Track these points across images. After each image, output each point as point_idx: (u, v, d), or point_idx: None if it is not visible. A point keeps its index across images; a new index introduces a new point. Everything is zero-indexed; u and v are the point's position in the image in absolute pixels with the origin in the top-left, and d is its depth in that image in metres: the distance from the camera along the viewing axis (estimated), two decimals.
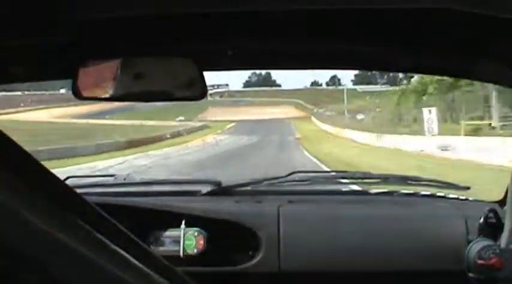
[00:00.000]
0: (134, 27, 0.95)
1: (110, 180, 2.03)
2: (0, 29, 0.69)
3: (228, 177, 2.25)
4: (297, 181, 1.87)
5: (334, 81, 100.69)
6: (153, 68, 1.08)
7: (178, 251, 1.51)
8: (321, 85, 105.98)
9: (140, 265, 0.39)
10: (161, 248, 1.51)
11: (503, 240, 1.35)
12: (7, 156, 0.34)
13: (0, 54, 0.94)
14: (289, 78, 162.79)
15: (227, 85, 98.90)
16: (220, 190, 1.77)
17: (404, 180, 1.87)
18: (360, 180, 1.96)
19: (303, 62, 1.34)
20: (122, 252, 0.38)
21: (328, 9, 0.86)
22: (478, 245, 1.35)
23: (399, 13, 0.89)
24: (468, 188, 1.81)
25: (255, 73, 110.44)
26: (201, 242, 1.52)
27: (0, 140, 0.35)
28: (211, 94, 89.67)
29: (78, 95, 1.10)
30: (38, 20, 0.70)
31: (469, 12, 0.73)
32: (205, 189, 1.77)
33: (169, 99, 1.20)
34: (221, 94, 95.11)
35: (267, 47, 1.20)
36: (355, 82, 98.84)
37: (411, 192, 1.81)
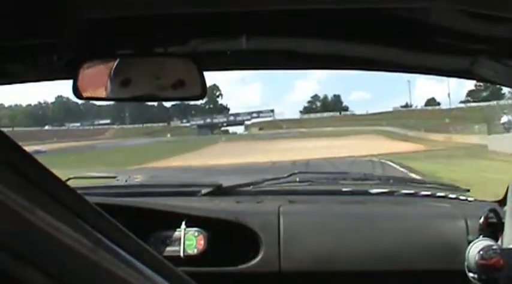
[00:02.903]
0: (134, 27, 0.95)
1: (112, 181, 2.03)
2: (1, 29, 0.69)
3: None
4: (297, 181, 1.87)
5: (430, 102, 67.08)
6: (153, 68, 1.08)
7: (179, 251, 1.51)
8: (415, 107, 68.79)
9: (141, 265, 0.39)
10: (162, 248, 1.51)
11: (504, 240, 1.35)
12: (7, 156, 0.34)
13: (1, 54, 0.94)
14: (363, 103, 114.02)
15: (272, 111, 64.44)
16: (221, 191, 1.77)
17: (405, 181, 1.87)
18: (360, 181, 1.96)
19: (303, 62, 1.34)
20: (123, 252, 0.38)
21: (328, 9, 0.86)
22: (478, 245, 1.35)
23: (399, 13, 0.89)
24: (468, 190, 1.81)
25: (317, 96, 75.34)
26: (202, 242, 1.52)
27: (0, 141, 0.35)
28: (247, 127, 62.67)
29: (79, 95, 1.10)
30: (38, 20, 0.70)
31: (469, 12, 0.73)
32: (206, 189, 1.77)
33: (170, 100, 1.20)
34: (261, 125, 61.53)
35: (266, 47, 1.20)
36: (470, 101, 61.62)
37: (412, 191, 1.81)
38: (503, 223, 1.37)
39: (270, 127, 61.41)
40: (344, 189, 1.88)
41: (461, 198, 1.77)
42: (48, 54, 1.07)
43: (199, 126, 62.80)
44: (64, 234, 0.35)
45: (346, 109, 72.13)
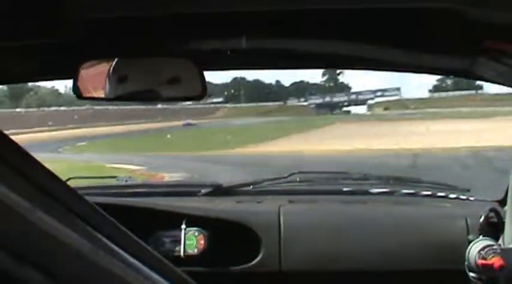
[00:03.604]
0: (134, 27, 0.95)
1: (112, 181, 2.03)
2: (1, 29, 0.69)
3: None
4: (297, 181, 1.87)
5: None
6: (153, 68, 1.08)
7: (179, 251, 1.51)
8: None
9: (140, 265, 0.39)
10: (162, 248, 1.51)
11: (504, 240, 1.35)
12: (8, 156, 0.34)
13: (1, 54, 0.94)
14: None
15: (398, 89, 54.89)
16: (221, 191, 1.78)
17: (405, 181, 1.87)
18: (360, 181, 1.96)
19: (303, 62, 1.34)
20: (123, 252, 0.38)
21: (328, 9, 0.86)
22: (478, 245, 1.35)
23: (399, 13, 0.89)
24: (468, 190, 1.81)
25: None
26: (202, 242, 1.52)
27: (0, 140, 0.35)
28: (370, 106, 53.58)
29: (79, 95, 1.10)
30: (39, 21, 0.70)
31: (469, 12, 0.73)
32: (206, 189, 1.77)
33: (169, 99, 1.20)
34: (386, 105, 53.36)
35: (266, 47, 1.20)
36: None
37: (412, 191, 1.81)
38: (503, 223, 1.36)
39: (396, 107, 50.35)
40: (344, 189, 1.88)
41: (462, 197, 1.76)
42: (48, 54, 1.07)
43: (318, 106, 54.71)
44: (64, 234, 0.35)
45: (480, 88, 57.29)
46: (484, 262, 1.31)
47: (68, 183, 0.48)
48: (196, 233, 1.53)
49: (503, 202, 1.51)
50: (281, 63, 1.35)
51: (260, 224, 1.54)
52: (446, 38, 1.02)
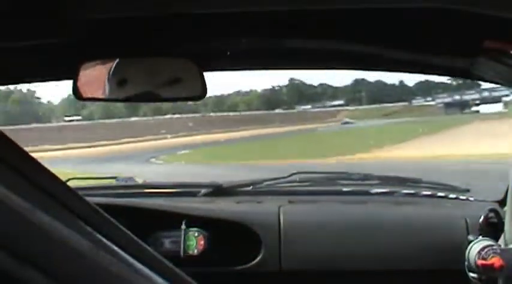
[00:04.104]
0: (134, 27, 0.95)
1: (112, 182, 2.03)
2: (1, 29, 0.69)
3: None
4: (297, 181, 1.86)
5: None
6: (153, 68, 1.08)
7: (179, 251, 1.51)
8: None
9: (140, 265, 0.39)
10: (162, 249, 1.51)
11: (504, 240, 1.35)
12: (7, 157, 0.34)
13: (1, 54, 0.94)
14: None
15: None
16: (221, 191, 1.77)
17: (404, 181, 1.87)
18: (360, 181, 1.96)
19: (303, 62, 1.34)
20: (123, 252, 0.38)
21: (328, 9, 0.86)
22: (478, 245, 1.35)
23: (399, 13, 0.90)
24: (468, 190, 1.81)
25: None
26: (202, 242, 1.52)
27: (0, 140, 0.35)
28: (506, 104, 31.89)
29: (79, 96, 1.10)
30: (39, 21, 0.70)
31: (469, 12, 0.73)
32: (206, 189, 1.77)
33: (169, 100, 1.20)
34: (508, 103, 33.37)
35: (267, 47, 1.20)
36: None
37: (412, 191, 1.81)
38: (503, 223, 1.36)
39: None
40: (344, 189, 1.88)
41: (462, 197, 1.76)
42: (48, 54, 1.07)
43: (447, 105, 53.22)
44: (64, 234, 0.35)
45: None
46: (484, 262, 1.31)
47: (68, 183, 0.48)
48: (196, 234, 1.53)
49: (503, 203, 1.51)
50: (281, 63, 1.35)
51: (260, 224, 1.54)
52: (446, 38, 1.02)
